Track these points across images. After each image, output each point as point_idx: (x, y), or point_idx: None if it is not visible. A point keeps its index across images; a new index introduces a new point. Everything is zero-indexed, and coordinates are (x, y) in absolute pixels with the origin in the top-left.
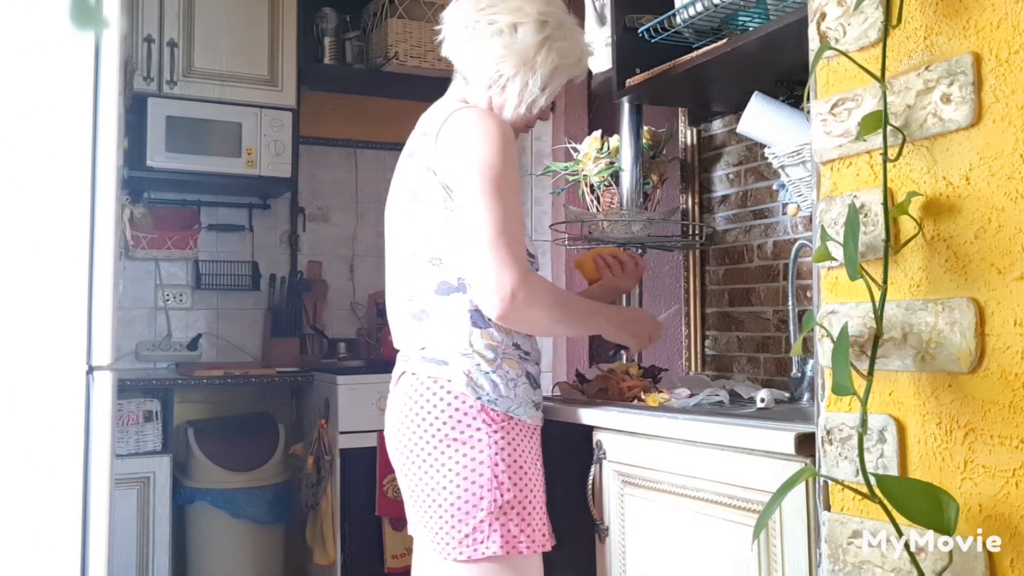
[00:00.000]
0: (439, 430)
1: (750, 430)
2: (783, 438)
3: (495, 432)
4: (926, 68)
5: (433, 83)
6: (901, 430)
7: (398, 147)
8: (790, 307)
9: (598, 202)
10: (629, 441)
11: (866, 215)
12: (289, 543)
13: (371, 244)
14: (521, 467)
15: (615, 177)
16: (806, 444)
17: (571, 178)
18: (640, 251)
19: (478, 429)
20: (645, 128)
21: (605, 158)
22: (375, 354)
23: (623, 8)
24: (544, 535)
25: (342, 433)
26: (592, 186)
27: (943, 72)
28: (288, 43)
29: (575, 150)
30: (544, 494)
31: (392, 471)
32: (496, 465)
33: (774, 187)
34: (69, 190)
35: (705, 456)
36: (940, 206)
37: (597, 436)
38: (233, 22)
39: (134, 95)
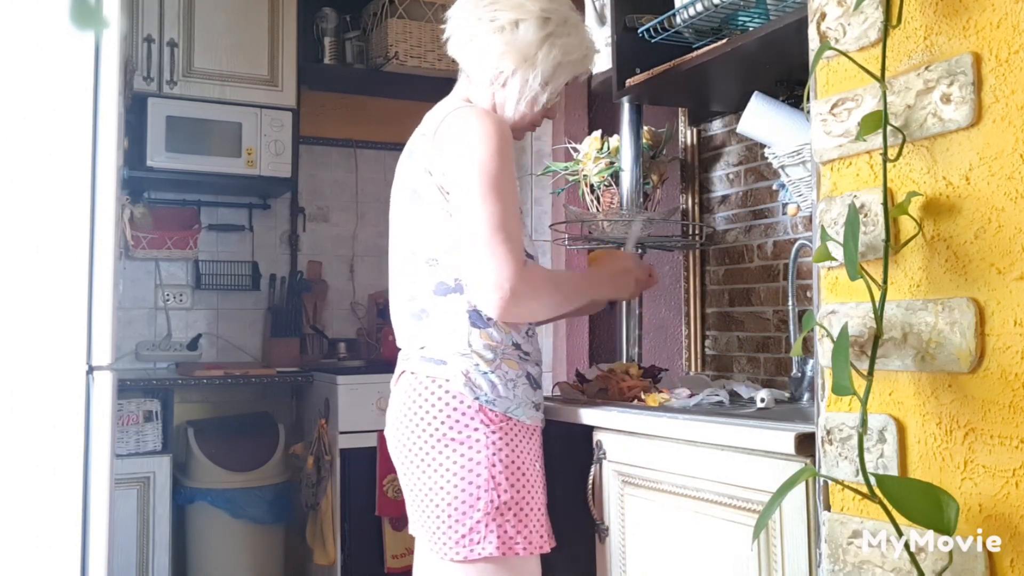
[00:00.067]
0: (437, 430)
1: (750, 430)
2: (783, 438)
3: (493, 433)
4: (926, 68)
5: (433, 83)
6: (901, 430)
7: (398, 147)
8: (790, 307)
9: (598, 202)
10: (629, 441)
11: (866, 215)
12: (289, 543)
13: (371, 244)
14: (519, 468)
15: (615, 177)
16: (806, 444)
17: (571, 178)
18: (640, 251)
19: (476, 429)
20: (645, 128)
21: (605, 158)
22: (375, 354)
23: (623, 8)
24: (542, 536)
25: (342, 433)
26: (592, 186)
27: (943, 72)
28: (288, 43)
29: (575, 150)
30: (544, 495)
31: (392, 471)
32: (494, 466)
33: (774, 187)
34: (69, 190)
35: (705, 456)
36: (940, 206)
37: (597, 436)
38: (233, 22)
39: (134, 95)
